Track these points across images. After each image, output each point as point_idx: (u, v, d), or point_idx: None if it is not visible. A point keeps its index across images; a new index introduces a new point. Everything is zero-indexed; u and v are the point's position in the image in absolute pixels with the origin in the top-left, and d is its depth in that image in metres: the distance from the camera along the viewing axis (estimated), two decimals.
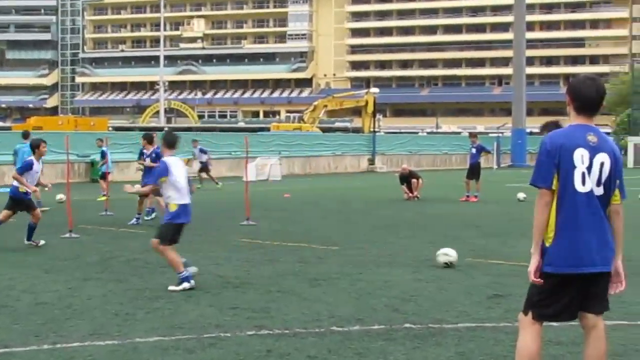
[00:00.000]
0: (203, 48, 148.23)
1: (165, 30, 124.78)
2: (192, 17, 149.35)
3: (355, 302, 10.15)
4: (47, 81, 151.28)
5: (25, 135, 23.28)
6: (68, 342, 8.09)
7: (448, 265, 12.70)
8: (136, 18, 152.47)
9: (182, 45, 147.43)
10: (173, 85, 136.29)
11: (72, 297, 10.41)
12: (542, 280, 5.67)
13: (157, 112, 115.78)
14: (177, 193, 11.30)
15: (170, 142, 11.72)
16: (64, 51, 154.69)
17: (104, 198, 24.54)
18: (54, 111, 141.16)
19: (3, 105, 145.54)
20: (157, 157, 20.26)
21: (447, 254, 12.83)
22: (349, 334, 8.51)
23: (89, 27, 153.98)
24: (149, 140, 20.73)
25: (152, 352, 7.80)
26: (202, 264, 13.17)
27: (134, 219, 19.85)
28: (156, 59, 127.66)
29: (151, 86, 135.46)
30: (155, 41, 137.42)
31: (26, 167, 15.47)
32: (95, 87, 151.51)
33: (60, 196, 24.09)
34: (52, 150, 39.80)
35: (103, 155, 27.02)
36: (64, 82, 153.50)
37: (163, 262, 13.34)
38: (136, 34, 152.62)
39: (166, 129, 76.05)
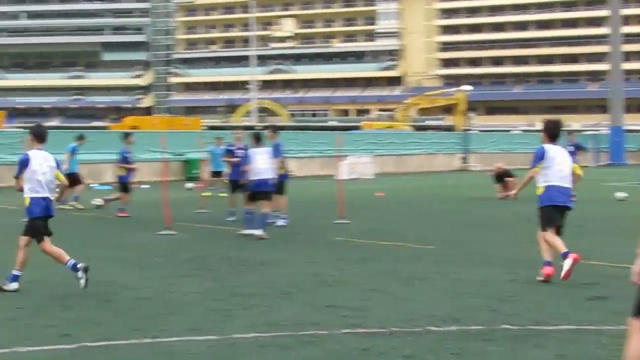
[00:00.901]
0: (293, 47, 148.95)
1: (255, 30, 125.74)
2: (281, 16, 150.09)
3: (451, 302, 10.06)
4: (142, 81, 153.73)
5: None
6: (168, 337, 8.22)
7: None
8: (226, 19, 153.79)
9: (272, 44, 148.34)
10: (265, 85, 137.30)
11: (171, 293, 10.58)
12: None
13: (249, 112, 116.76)
14: (32, 187, 11.06)
15: (39, 135, 11.37)
16: (157, 52, 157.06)
17: (208, 194, 25.27)
18: (148, 111, 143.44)
19: (100, 106, 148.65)
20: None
21: None
22: (446, 334, 8.44)
23: (181, 28, 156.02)
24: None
25: (250, 348, 7.87)
26: (297, 262, 13.26)
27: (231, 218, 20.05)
28: (247, 58, 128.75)
29: (242, 86, 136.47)
30: (246, 41, 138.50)
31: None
32: (189, 87, 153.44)
33: (99, 200, 24.05)
34: (149, 149, 40.64)
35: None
36: (158, 82, 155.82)
37: (259, 259, 13.49)
38: (227, 34, 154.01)
39: (258, 128, 76.68)
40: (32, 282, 11.34)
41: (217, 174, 26.34)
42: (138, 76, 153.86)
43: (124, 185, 21.92)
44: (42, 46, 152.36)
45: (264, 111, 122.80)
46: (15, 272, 10.86)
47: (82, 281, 10.63)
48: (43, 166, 11.02)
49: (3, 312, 9.37)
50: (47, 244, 11.08)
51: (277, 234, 17.48)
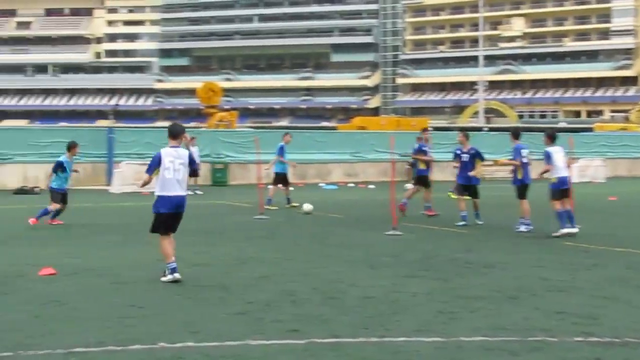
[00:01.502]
0: (522, 47, 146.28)
1: (483, 30, 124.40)
2: (511, 16, 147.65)
3: None
4: (370, 82, 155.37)
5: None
6: (394, 337, 8.23)
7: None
8: (455, 19, 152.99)
9: (500, 44, 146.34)
10: (492, 85, 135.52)
11: (397, 293, 10.59)
12: None
13: (476, 112, 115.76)
14: (159, 185, 11.45)
15: (172, 132, 11.71)
16: (385, 53, 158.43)
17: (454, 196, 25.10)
18: (375, 111, 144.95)
19: (329, 106, 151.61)
20: (476, 154, 20.14)
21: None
22: None
23: (409, 29, 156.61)
24: (467, 136, 20.63)
25: (477, 351, 7.75)
26: (524, 266, 12.98)
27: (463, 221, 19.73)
28: (475, 59, 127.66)
29: (470, 86, 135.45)
30: (474, 41, 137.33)
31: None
32: (415, 87, 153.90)
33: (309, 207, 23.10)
34: (376, 150, 41.09)
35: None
36: (385, 83, 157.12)
37: (485, 262, 13.31)
38: (455, 34, 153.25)
39: (485, 129, 75.89)
40: (262, 278, 11.69)
41: None
42: (366, 77, 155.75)
43: (422, 179, 21.90)
44: (274, 48, 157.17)
45: (491, 112, 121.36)
46: (170, 265, 11.35)
47: (164, 278, 11.25)
48: (175, 163, 11.45)
49: (234, 306, 9.69)
50: (166, 240, 11.48)
51: (503, 236, 17.21)
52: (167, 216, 11.48)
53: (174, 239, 11.65)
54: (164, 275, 11.33)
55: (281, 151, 24.93)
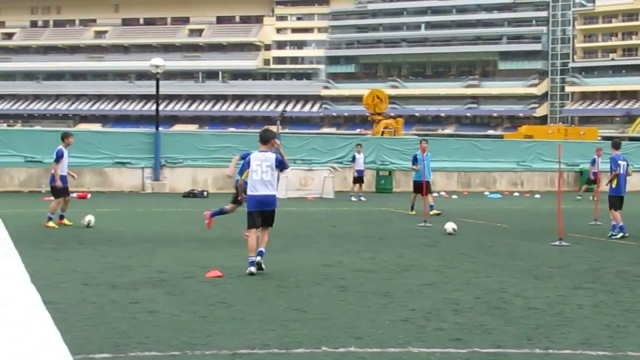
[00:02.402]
0: None
1: None
2: None
3: None
4: (537, 90, 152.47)
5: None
6: (559, 349, 8.05)
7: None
8: (628, 26, 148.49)
9: None
10: None
11: (563, 305, 10.36)
12: None
13: None
14: (250, 185, 12.69)
15: (263, 138, 12.81)
16: (553, 61, 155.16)
17: None
18: (542, 120, 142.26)
19: (495, 114, 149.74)
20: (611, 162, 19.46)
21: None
22: None
23: (579, 37, 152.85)
24: (616, 145, 19.98)
25: None
26: None
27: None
28: None
29: None
30: None
31: None
32: (584, 96, 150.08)
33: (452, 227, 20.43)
34: (542, 159, 40.35)
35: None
36: (553, 91, 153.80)
37: None
38: (627, 42, 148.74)
39: None
40: (425, 285, 11.67)
41: None
42: (533, 85, 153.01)
43: None
44: (440, 55, 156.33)
45: None
46: (250, 259, 12.53)
47: (250, 269, 12.34)
48: (262, 166, 12.52)
49: (397, 313, 9.69)
50: (252, 233, 12.72)
51: None
52: (256, 213, 12.72)
53: (268, 236, 12.90)
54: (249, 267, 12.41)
55: (414, 159, 24.97)
